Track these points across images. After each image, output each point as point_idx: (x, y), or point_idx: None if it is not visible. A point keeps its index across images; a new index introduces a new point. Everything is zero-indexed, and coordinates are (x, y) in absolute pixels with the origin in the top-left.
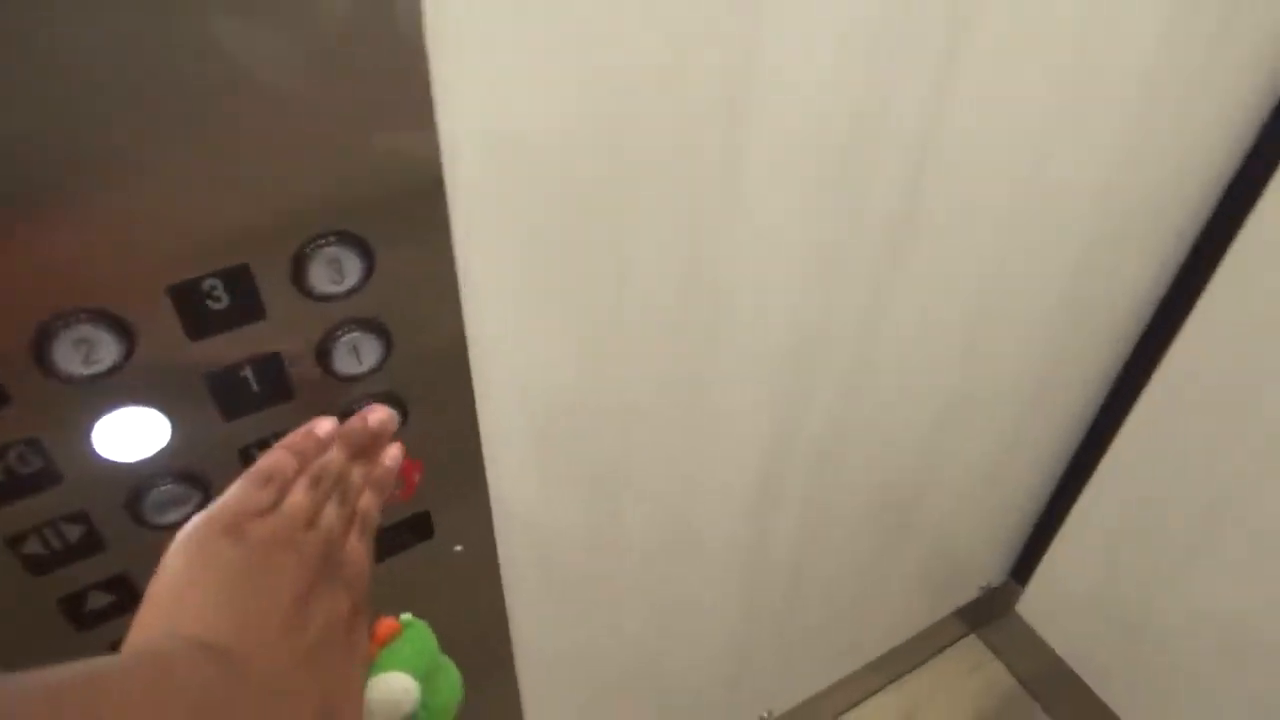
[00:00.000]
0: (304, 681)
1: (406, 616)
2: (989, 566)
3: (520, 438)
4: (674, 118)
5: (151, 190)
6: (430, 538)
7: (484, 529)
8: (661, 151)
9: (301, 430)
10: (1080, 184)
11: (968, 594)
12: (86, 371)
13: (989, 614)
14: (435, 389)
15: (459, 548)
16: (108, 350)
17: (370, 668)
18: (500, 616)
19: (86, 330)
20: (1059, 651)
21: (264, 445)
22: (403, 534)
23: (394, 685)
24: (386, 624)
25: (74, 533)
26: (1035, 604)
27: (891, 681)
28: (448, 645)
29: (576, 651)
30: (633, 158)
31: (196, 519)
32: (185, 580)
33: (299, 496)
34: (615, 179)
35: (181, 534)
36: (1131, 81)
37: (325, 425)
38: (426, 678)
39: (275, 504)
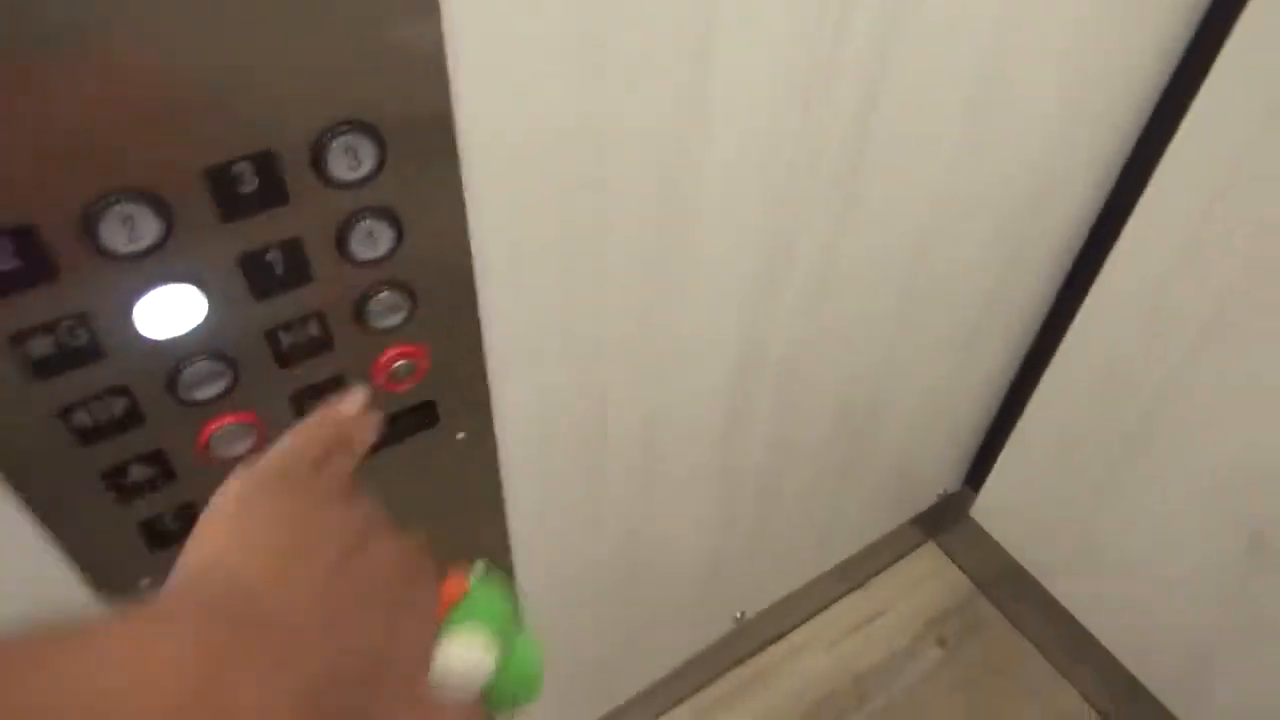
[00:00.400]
0: (345, 636)
1: (479, 567)
2: (946, 474)
3: (518, 333)
4: (649, 38)
5: (187, 75)
6: (435, 425)
7: (484, 419)
8: (637, 70)
9: (336, 403)
10: (1035, 89)
11: (927, 500)
12: (130, 249)
13: (946, 521)
14: (442, 278)
15: (461, 435)
16: (149, 229)
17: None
18: (498, 505)
19: (131, 208)
20: (1011, 553)
21: (287, 327)
22: (410, 421)
23: (463, 647)
24: (453, 582)
25: (118, 406)
26: (988, 508)
27: (857, 587)
28: (449, 531)
29: (561, 551)
30: (611, 81)
31: (250, 466)
32: (235, 518)
33: (341, 460)
34: (595, 94)
35: (234, 477)
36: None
37: (360, 399)
38: (503, 640)
39: (319, 461)
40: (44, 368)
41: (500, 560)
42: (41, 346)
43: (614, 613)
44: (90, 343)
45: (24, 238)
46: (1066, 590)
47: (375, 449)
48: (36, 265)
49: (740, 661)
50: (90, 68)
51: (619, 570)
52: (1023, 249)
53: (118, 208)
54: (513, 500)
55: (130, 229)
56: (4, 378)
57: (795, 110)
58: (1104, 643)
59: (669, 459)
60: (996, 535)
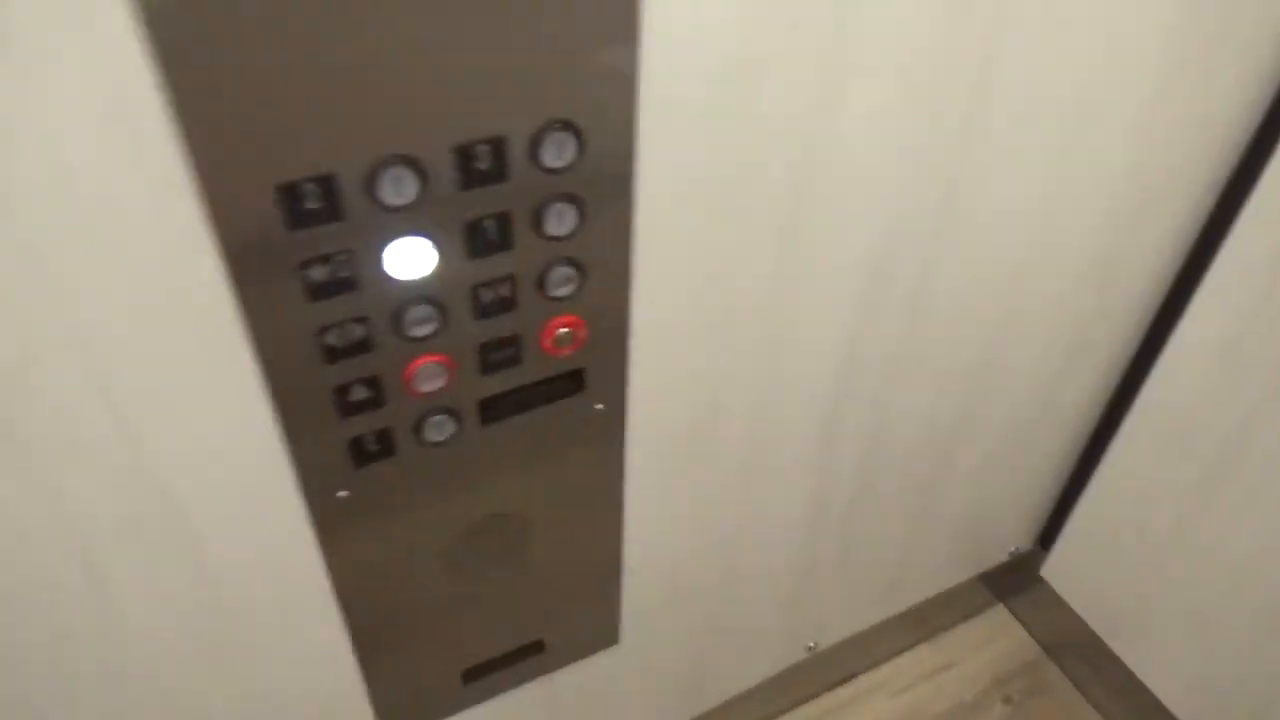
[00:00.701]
0: None
1: None
2: (1019, 532)
3: (660, 321)
4: (797, 55)
5: (456, 74)
6: (581, 392)
7: (620, 395)
8: (787, 83)
9: None
10: (1123, 113)
11: (998, 556)
12: (395, 202)
13: (1017, 580)
14: (607, 261)
15: (600, 406)
16: (410, 188)
17: None
18: (619, 482)
19: (402, 170)
20: (1080, 614)
21: (487, 285)
22: (559, 385)
23: None
24: None
25: (357, 332)
26: (1059, 568)
27: (926, 639)
28: (572, 501)
29: (662, 547)
30: (768, 102)
31: None
32: None
33: None
34: (752, 114)
35: None
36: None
37: None
38: None
39: None
40: (318, 292)
41: (610, 543)
42: (319, 274)
43: (696, 622)
44: (351, 276)
45: (328, 184)
46: (1133, 653)
47: (529, 407)
48: (332, 206)
49: (807, 700)
50: (392, 61)
51: (710, 575)
52: (1105, 301)
53: (393, 169)
54: (631, 481)
55: (398, 186)
56: (292, 296)
57: (906, 148)
58: (1169, 707)
59: (764, 476)
60: (1066, 596)
